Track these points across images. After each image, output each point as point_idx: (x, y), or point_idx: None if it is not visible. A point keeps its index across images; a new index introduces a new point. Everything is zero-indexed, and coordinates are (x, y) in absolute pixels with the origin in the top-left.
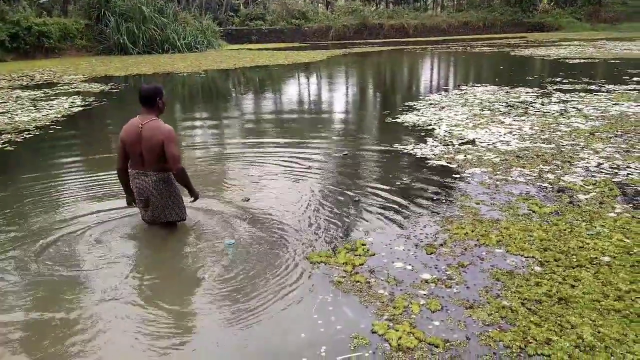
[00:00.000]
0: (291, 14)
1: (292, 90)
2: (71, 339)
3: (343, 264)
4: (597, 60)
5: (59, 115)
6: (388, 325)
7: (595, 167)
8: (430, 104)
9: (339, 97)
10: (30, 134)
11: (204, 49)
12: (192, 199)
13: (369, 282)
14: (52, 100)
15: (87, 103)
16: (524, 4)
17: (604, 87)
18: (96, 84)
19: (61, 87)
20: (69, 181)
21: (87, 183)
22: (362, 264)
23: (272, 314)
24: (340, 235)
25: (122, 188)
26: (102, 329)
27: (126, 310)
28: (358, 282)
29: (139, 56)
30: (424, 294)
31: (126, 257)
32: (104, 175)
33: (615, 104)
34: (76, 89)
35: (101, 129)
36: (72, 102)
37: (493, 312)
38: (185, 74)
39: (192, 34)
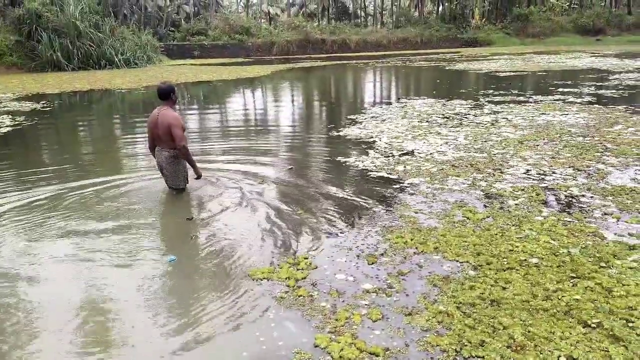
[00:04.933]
0: (234, 29)
1: (237, 106)
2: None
3: (285, 278)
4: (525, 73)
5: None
6: (330, 338)
7: (523, 173)
8: (372, 117)
9: (283, 112)
10: None
11: (144, 64)
12: (196, 176)
13: (312, 296)
14: None
15: (17, 123)
16: (457, 20)
17: (532, 98)
18: (28, 102)
19: None
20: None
21: (14, 203)
22: (305, 278)
23: (213, 332)
24: (283, 250)
25: None
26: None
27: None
28: (301, 296)
29: (74, 72)
30: (366, 304)
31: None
32: (30, 196)
33: (542, 114)
34: (5, 108)
35: (32, 149)
36: (0, 122)
37: (431, 317)
38: (124, 90)
39: (130, 49)
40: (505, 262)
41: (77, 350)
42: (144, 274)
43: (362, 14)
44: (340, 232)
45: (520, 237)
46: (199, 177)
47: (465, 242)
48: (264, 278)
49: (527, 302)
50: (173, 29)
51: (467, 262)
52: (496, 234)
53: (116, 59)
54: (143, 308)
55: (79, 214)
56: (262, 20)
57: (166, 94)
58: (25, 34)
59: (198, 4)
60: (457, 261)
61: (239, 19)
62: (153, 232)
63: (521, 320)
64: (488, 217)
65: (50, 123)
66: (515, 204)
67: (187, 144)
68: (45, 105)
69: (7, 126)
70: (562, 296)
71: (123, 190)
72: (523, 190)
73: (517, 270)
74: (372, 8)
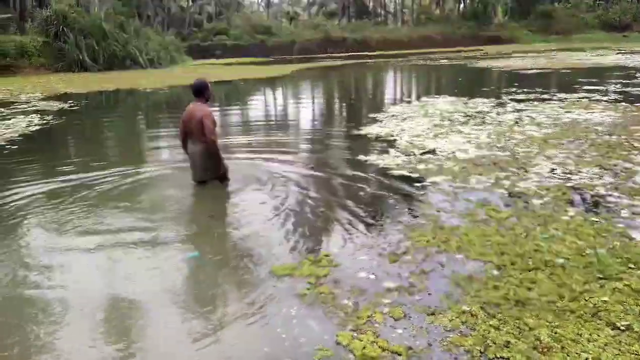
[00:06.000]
0: (255, 29)
1: (259, 105)
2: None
3: (307, 275)
4: (549, 71)
5: (15, 135)
6: (352, 336)
7: (548, 172)
8: (393, 115)
9: (305, 111)
10: None
11: (168, 64)
12: (221, 172)
13: (333, 293)
14: (8, 119)
15: (45, 122)
16: (479, 18)
17: (556, 96)
18: (55, 102)
19: (18, 106)
20: (26, 200)
21: (42, 201)
22: (326, 275)
23: (235, 328)
24: (305, 247)
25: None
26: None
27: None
28: (322, 293)
29: (100, 73)
30: (388, 303)
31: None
32: (59, 190)
33: (566, 112)
34: (34, 108)
35: (60, 148)
36: (29, 120)
37: (454, 317)
38: (148, 90)
39: (154, 49)
40: (530, 262)
41: (98, 344)
42: (165, 268)
43: (382, 12)
44: (362, 230)
45: (546, 237)
46: (224, 173)
47: (489, 241)
48: (286, 274)
49: (553, 303)
50: (195, 29)
51: (491, 261)
52: (520, 234)
53: (141, 59)
54: (164, 302)
55: (102, 207)
56: (283, 20)
57: (199, 91)
58: (52, 35)
59: (220, 4)
60: (481, 260)
61: (259, 19)
62: (176, 227)
63: (547, 321)
64: (512, 216)
65: (77, 121)
66: (540, 204)
67: (217, 139)
68: (72, 105)
69: (35, 124)
70: (590, 297)
71: (147, 185)
72: (548, 189)
73: (543, 270)
74: (393, 6)
